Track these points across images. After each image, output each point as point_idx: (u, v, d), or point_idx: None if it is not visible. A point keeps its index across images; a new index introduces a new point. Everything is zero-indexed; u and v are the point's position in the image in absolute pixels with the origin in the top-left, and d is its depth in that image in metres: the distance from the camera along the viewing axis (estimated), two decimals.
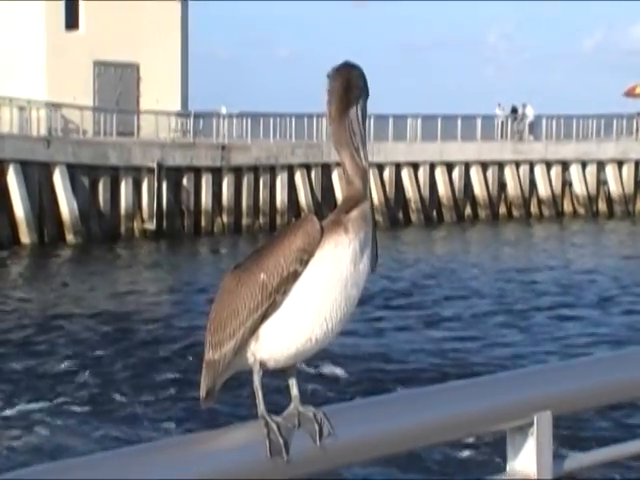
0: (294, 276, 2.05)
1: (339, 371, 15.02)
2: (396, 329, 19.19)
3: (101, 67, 41.41)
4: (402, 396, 2.20)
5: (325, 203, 37.00)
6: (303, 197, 37.61)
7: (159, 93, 41.37)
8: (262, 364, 2.09)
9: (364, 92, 2.13)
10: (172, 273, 28.38)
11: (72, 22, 40.87)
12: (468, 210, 40.96)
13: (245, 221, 36.61)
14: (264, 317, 2.08)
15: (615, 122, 45.28)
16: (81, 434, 12.60)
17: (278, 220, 36.77)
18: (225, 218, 36.34)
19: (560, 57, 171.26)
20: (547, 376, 2.33)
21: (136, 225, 34.48)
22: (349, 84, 2.11)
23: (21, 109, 34.98)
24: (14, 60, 39.59)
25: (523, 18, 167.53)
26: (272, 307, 2.07)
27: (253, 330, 2.09)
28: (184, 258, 31.35)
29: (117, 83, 41.78)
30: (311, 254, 2.05)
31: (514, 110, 45.51)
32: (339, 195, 37.87)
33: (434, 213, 40.25)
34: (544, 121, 44.45)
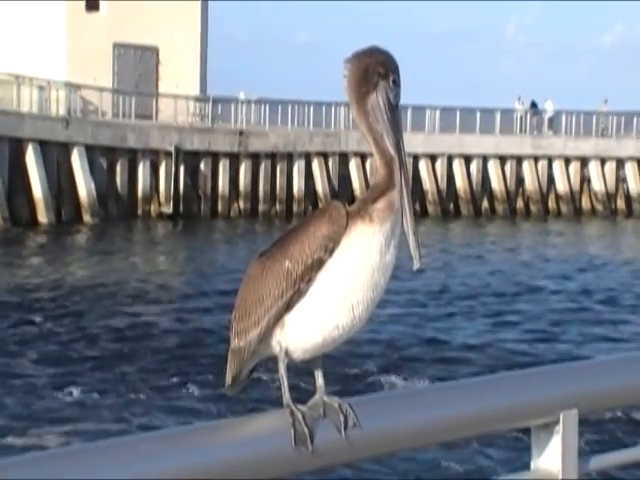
0: (319, 264, 2.01)
1: (364, 363, 14.84)
2: (413, 322, 19.13)
3: (121, 49, 41.43)
4: (428, 389, 2.18)
5: (342, 192, 36.96)
6: (320, 185, 37.58)
7: (178, 77, 41.38)
8: (288, 352, 2.07)
9: (388, 77, 2.03)
10: (187, 256, 28.41)
11: (93, 3, 40.88)
12: (485, 204, 40.85)
13: (262, 207, 36.63)
14: (289, 305, 2.04)
15: (635, 120, 44.99)
16: (94, 417, 12.64)
17: (295, 207, 36.77)
18: (242, 204, 36.38)
19: (581, 52, 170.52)
20: (574, 374, 2.31)
21: (153, 208, 34.56)
22: (366, 70, 2.03)
23: (41, 89, 35.04)
24: (35, 40, 39.64)
25: (543, 10, 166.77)
26: (297, 295, 2.03)
27: (278, 318, 2.06)
28: (200, 242, 31.38)
29: (136, 65, 41.80)
30: (337, 242, 2.00)
31: (534, 105, 45.30)
32: (356, 184, 37.84)
33: (451, 206, 40.16)
34: (564, 117, 44.24)
